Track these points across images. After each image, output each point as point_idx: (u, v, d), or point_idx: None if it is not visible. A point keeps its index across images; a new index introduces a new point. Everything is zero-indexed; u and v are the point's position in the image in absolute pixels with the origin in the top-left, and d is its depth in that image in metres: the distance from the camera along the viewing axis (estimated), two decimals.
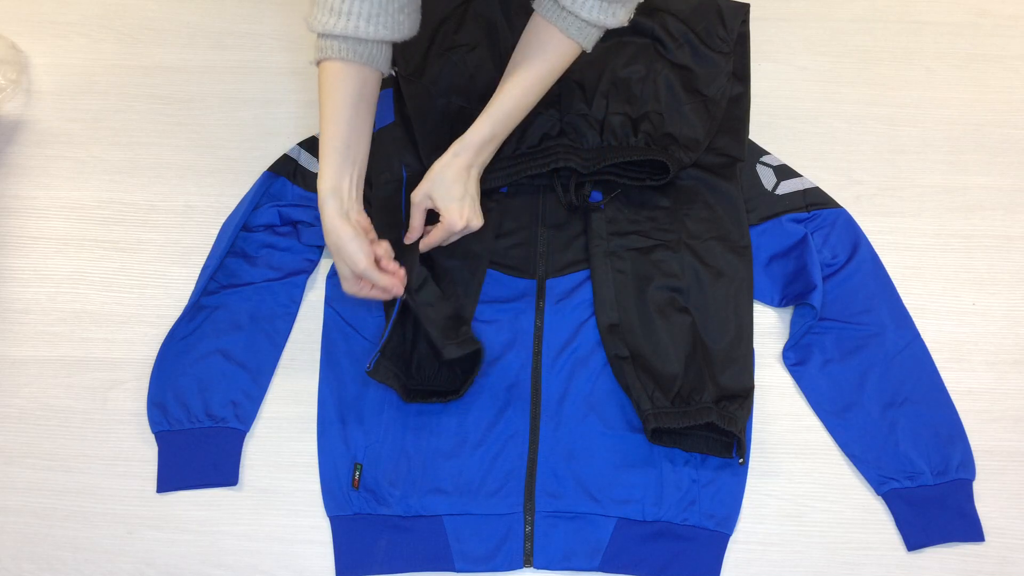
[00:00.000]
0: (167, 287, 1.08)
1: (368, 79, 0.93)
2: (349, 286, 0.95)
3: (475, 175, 0.99)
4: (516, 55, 0.98)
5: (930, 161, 1.17)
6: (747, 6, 1.16)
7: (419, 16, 0.95)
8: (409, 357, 0.99)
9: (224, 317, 1.04)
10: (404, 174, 1.05)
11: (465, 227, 0.98)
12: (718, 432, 0.95)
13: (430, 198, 0.98)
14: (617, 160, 1.05)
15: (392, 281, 0.94)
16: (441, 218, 0.97)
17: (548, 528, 0.95)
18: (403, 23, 0.92)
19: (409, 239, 1.00)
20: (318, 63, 0.93)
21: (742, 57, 1.14)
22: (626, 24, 0.93)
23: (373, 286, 0.94)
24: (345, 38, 0.90)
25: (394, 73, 1.00)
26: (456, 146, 0.97)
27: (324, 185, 0.92)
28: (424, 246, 1.00)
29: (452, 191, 0.96)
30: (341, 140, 0.92)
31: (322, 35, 0.91)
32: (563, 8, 0.91)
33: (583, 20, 0.91)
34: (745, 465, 0.97)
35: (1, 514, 0.97)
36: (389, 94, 1.11)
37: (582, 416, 0.99)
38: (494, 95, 0.97)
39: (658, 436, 0.96)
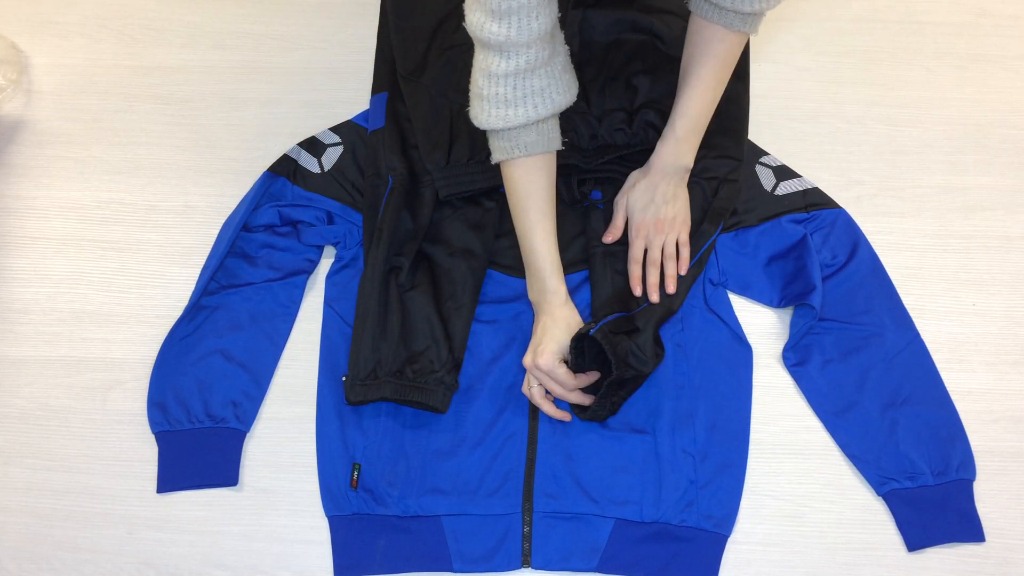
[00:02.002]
0: (166, 287, 1.08)
1: (553, 162, 0.95)
2: (564, 378, 0.94)
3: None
4: (686, 59, 0.98)
5: (930, 161, 1.17)
6: None
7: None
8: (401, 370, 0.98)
9: (224, 317, 1.04)
10: (391, 180, 1.05)
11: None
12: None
13: (626, 207, 1.03)
14: (616, 155, 1.05)
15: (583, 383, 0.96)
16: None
17: (546, 528, 0.95)
18: (571, 82, 0.91)
19: (611, 238, 1.04)
20: (499, 162, 0.94)
21: (741, 56, 1.13)
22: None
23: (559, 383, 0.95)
24: (526, 126, 0.89)
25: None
26: (649, 165, 1.01)
27: (562, 296, 0.96)
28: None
29: (639, 200, 1.01)
30: (555, 241, 0.96)
31: (503, 131, 0.89)
32: (721, 8, 0.91)
33: (744, 13, 0.91)
34: (744, 465, 0.97)
35: (1, 514, 0.97)
36: (383, 98, 1.11)
37: None
38: (676, 104, 0.99)
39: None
